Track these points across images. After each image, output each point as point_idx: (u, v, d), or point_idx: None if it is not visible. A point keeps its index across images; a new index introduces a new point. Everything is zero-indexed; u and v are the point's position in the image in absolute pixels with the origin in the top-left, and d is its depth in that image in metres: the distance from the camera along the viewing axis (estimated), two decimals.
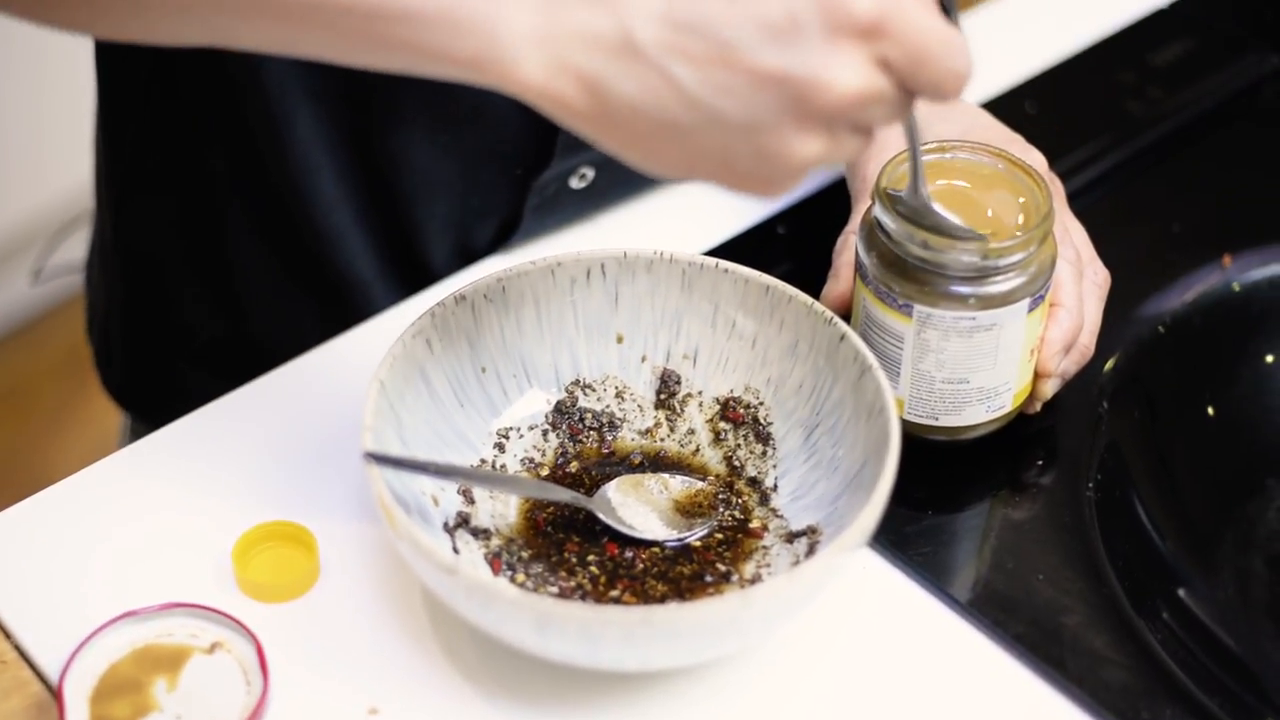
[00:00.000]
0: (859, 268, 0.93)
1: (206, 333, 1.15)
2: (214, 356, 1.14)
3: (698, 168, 0.76)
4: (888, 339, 0.92)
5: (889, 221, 0.90)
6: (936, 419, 0.94)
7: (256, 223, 1.09)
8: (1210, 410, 1.02)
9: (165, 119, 1.09)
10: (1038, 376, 0.95)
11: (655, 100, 0.74)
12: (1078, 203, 1.10)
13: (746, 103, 0.73)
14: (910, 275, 0.90)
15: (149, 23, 0.81)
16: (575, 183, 1.07)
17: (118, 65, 1.10)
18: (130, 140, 1.12)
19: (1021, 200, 0.92)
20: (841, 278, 0.97)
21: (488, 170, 1.06)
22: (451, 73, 0.76)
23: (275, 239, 1.09)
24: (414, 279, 1.09)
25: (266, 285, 1.11)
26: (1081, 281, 0.97)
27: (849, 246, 0.98)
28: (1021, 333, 0.91)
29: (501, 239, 1.09)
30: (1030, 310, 0.91)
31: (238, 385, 1.01)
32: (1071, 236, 0.98)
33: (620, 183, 1.10)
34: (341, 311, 1.09)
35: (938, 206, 0.88)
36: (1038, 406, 0.97)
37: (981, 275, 0.89)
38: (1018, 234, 0.89)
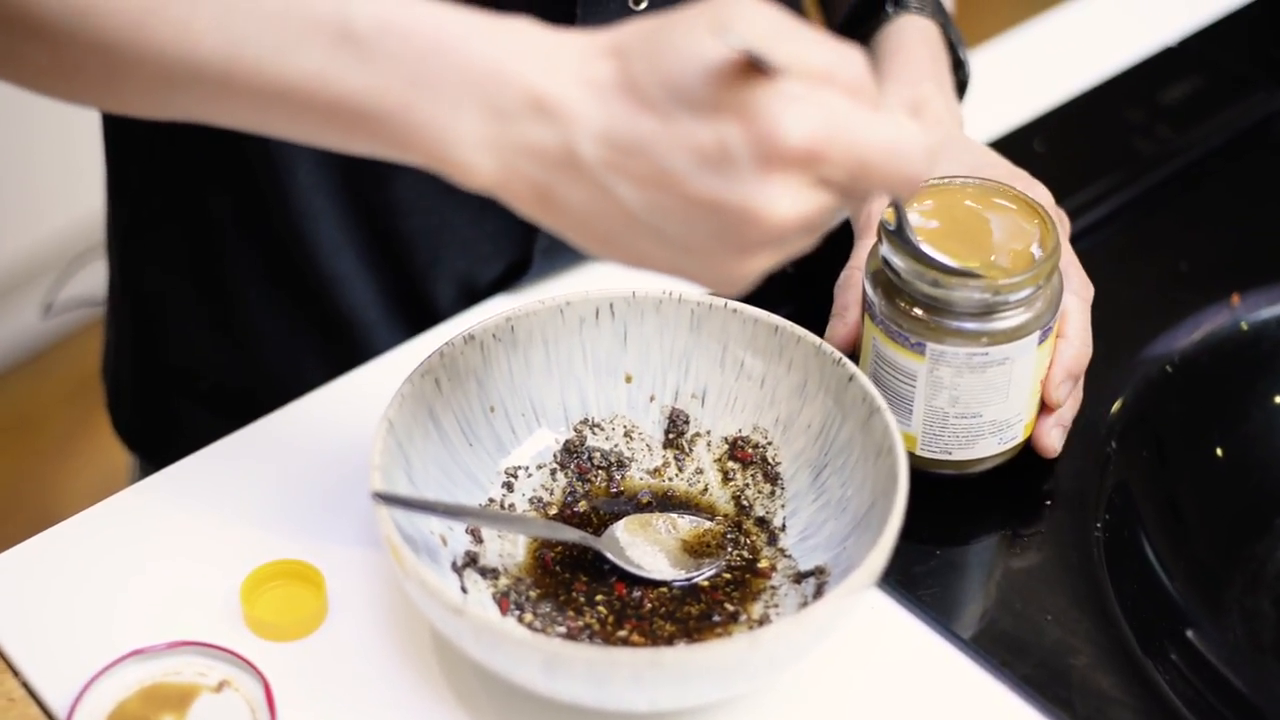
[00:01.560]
0: (867, 306, 0.93)
1: (212, 375, 1.15)
2: (219, 398, 1.15)
3: (653, 267, 0.77)
4: (899, 377, 0.92)
5: (898, 260, 0.90)
6: (949, 454, 0.94)
7: (260, 267, 1.09)
8: (1219, 450, 1.02)
9: (169, 163, 1.10)
10: (1043, 409, 0.96)
11: (601, 211, 0.74)
12: (1086, 240, 1.10)
13: (686, 226, 0.74)
14: (920, 313, 0.90)
15: (124, 98, 0.82)
16: None
17: (127, 128, 1.11)
18: (134, 184, 1.13)
19: (1027, 234, 0.92)
20: (848, 317, 0.97)
21: (495, 215, 1.06)
22: (415, 162, 0.77)
23: (279, 282, 1.09)
24: (420, 321, 1.09)
25: (271, 328, 1.11)
26: (1086, 314, 0.97)
27: (853, 284, 0.98)
28: (1032, 365, 0.92)
29: (509, 281, 1.09)
30: (1040, 343, 0.91)
31: (243, 427, 1.02)
32: (1081, 272, 0.98)
33: None
34: (347, 353, 1.09)
35: (927, 248, 0.89)
36: (1055, 452, 0.97)
37: (991, 311, 0.89)
38: (1028, 269, 0.89)
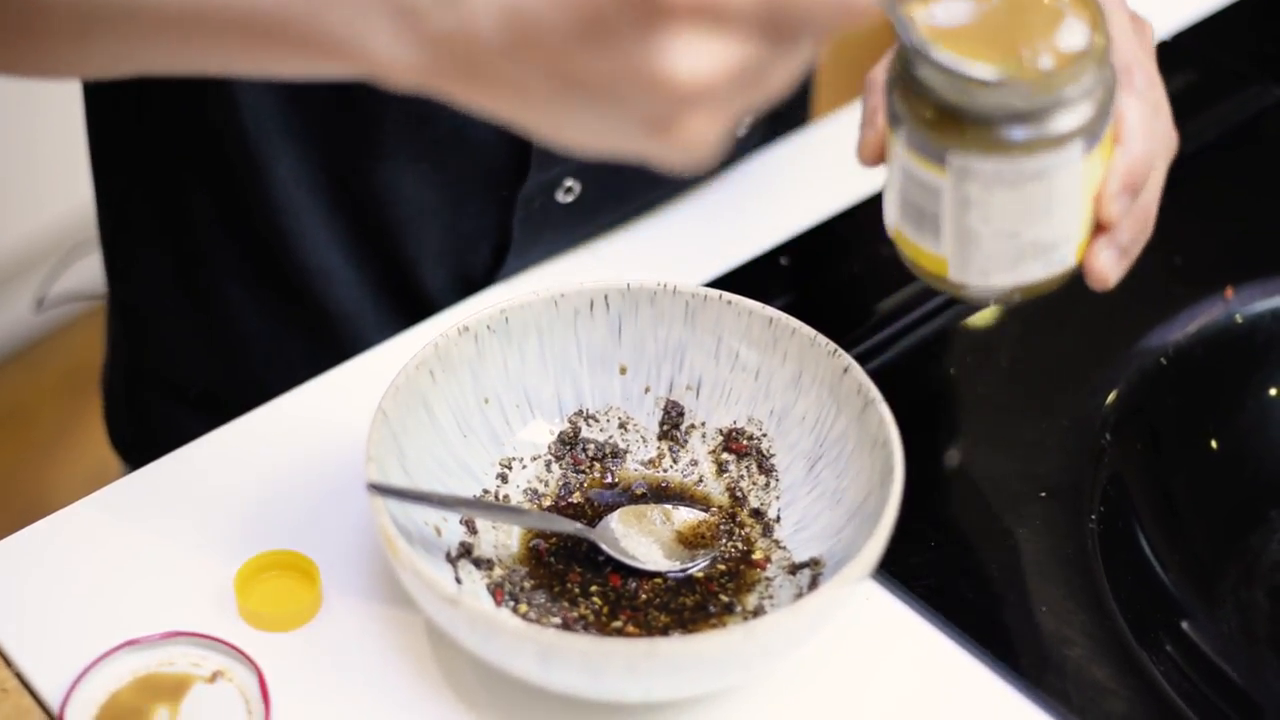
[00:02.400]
0: (889, 114, 0.84)
1: (200, 381, 1.15)
2: (210, 404, 1.14)
3: (601, 146, 0.72)
4: (924, 193, 0.83)
5: (910, 62, 0.80)
6: (988, 278, 0.84)
7: (243, 268, 1.09)
8: (1213, 442, 1.02)
9: (150, 166, 1.10)
10: (1099, 229, 0.85)
11: (525, 95, 0.71)
12: None
13: (598, 106, 0.69)
14: (944, 121, 0.80)
15: (41, 47, 0.83)
16: (562, 196, 1.07)
17: (105, 114, 1.11)
18: (118, 189, 1.13)
19: (1070, 28, 0.81)
20: (876, 122, 0.87)
21: (473, 196, 1.06)
22: (346, 72, 0.76)
23: (265, 282, 1.09)
24: (411, 311, 1.09)
25: (256, 330, 1.11)
26: (1155, 121, 0.87)
27: (879, 87, 0.87)
28: (1078, 178, 0.81)
29: (497, 263, 1.09)
30: (1086, 151, 0.81)
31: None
32: (1151, 74, 0.88)
33: (610, 197, 1.10)
34: (335, 352, 1.09)
35: (939, 50, 0.79)
36: (1105, 287, 0.86)
37: (1021, 118, 0.79)
38: (1060, 69, 0.79)
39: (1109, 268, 0.86)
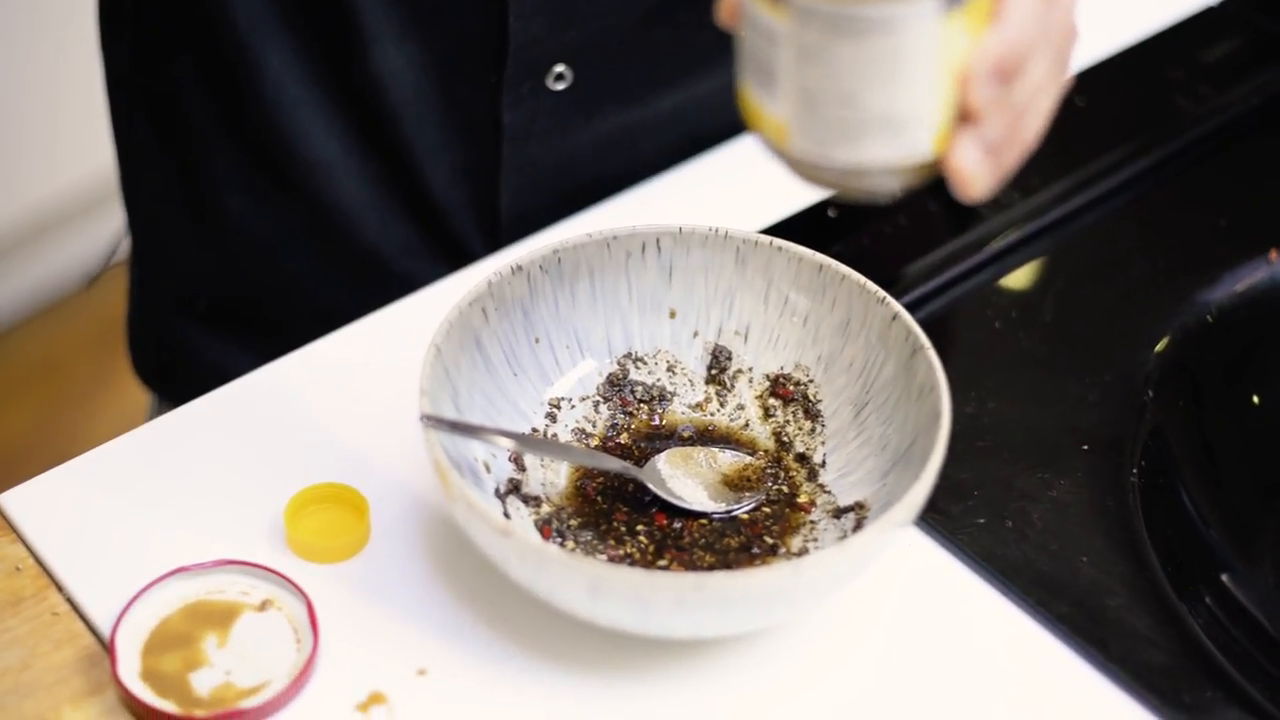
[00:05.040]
0: None
1: (207, 291, 1.16)
2: (218, 317, 1.16)
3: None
4: (764, 42, 0.75)
5: None
6: (830, 153, 0.76)
7: (245, 171, 1.11)
8: (1256, 400, 1.03)
9: (150, 75, 1.11)
10: (964, 120, 0.76)
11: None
12: (1128, 193, 1.11)
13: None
14: None
15: None
16: (553, 83, 1.07)
17: (110, 25, 1.12)
18: (126, 108, 1.14)
19: None
20: None
21: (461, 80, 1.07)
22: None
23: (265, 184, 1.10)
24: (414, 204, 1.10)
25: (260, 233, 1.13)
26: (1046, 7, 0.76)
27: None
28: (934, 43, 0.73)
29: (495, 153, 1.10)
30: (944, 13, 0.72)
31: (248, 349, 1.03)
32: None
33: (607, 90, 1.10)
34: (339, 248, 1.09)
35: None
36: (970, 192, 0.77)
37: None
38: None
39: (972, 165, 0.76)
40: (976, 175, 0.76)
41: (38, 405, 2.23)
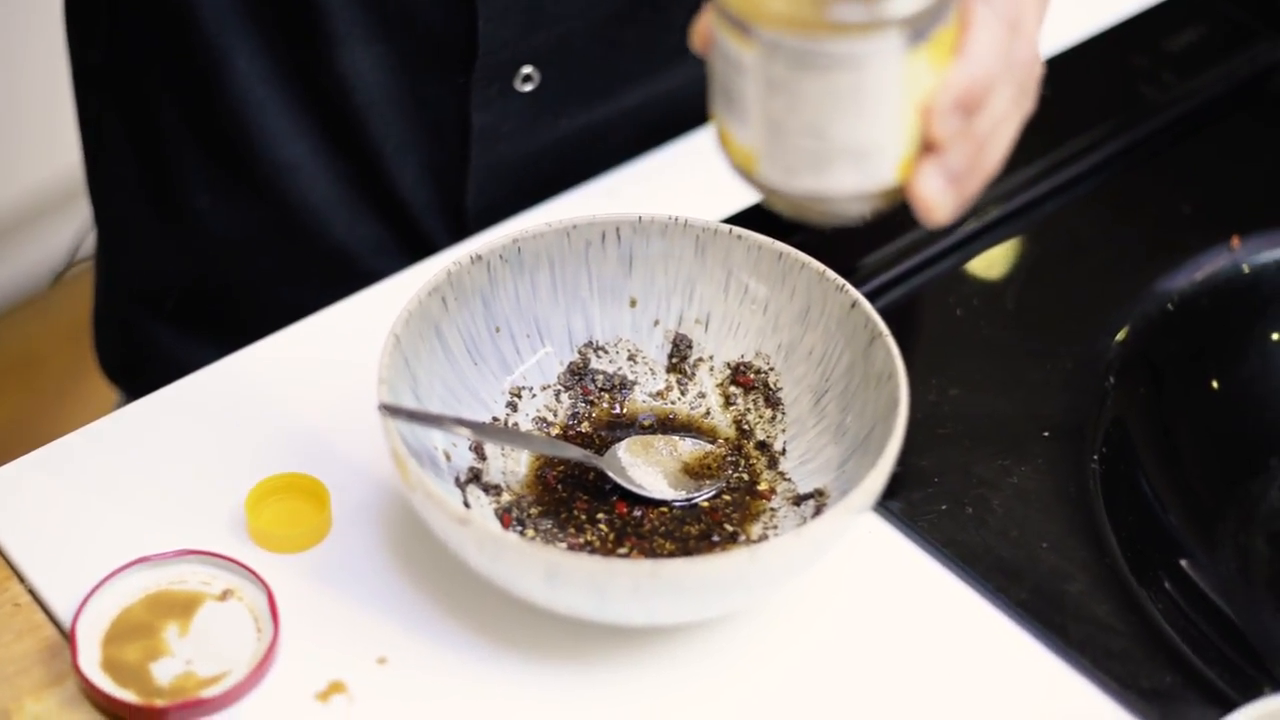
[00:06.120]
0: None
1: (175, 287, 1.16)
2: (185, 314, 1.16)
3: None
4: (734, 73, 0.76)
5: None
6: (793, 179, 0.77)
7: (212, 172, 1.11)
8: (1216, 387, 1.03)
9: (119, 77, 1.11)
10: (927, 150, 0.78)
11: None
12: (1091, 181, 1.11)
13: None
14: None
15: None
16: (520, 85, 1.08)
17: (80, 25, 1.12)
18: (94, 107, 1.14)
19: None
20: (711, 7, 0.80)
21: (429, 79, 1.07)
22: None
23: (232, 184, 1.10)
24: (382, 205, 1.11)
25: (227, 233, 1.13)
26: (1009, 41, 0.78)
27: None
28: (898, 77, 0.74)
29: (463, 154, 1.10)
30: (911, 45, 0.74)
31: (215, 346, 1.03)
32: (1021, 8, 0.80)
33: (574, 90, 1.10)
34: (307, 248, 1.09)
35: None
36: (934, 218, 0.79)
37: None
38: None
39: (935, 194, 0.77)
40: (939, 203, 0.78)
41: (8, 403, 2.23)
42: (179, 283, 1.16)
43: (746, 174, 0.79)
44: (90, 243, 1.24)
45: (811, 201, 0.78)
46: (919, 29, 0.74)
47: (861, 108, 0.75)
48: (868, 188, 0.77)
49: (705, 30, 0.79)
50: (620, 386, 0.97)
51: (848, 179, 0.77)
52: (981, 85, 0.76)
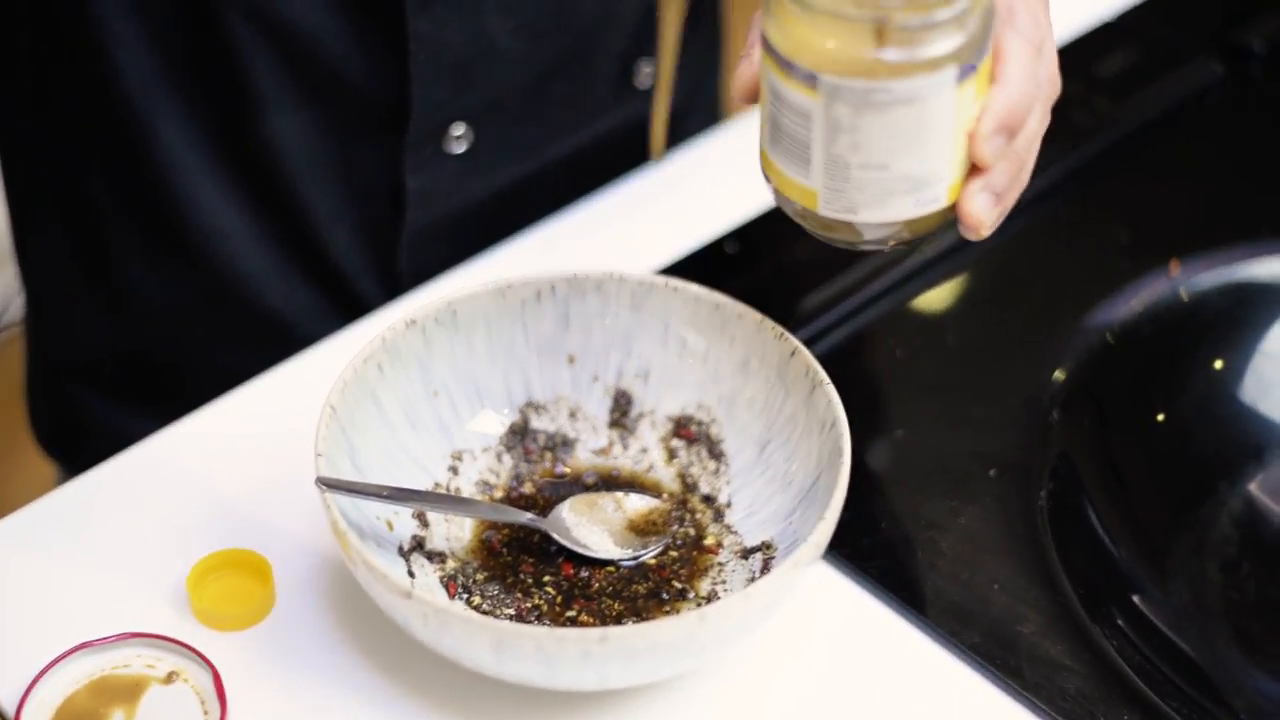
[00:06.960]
0: (763, 41, 0.80)
1: (110, 360, 1.15)
2: (121, 385, 1.15)
3: None
4: (794, 118, 0.80)
5: None
6: (856, 213, 0.81)
7: (143, 241, 1.10)
8: (1161, 417, 1.03)
9: (47, 147, 1.11)
10: (971, 172, 0.82)
11: None
12: (1026, 214, 1.10)
13: None
14: (814, 39, 0.78)
15: None
16: (453, 146, 1.07)
17: (4, 97, 1.11)
18: (20, 179, 1.13)
19: None
20: (753, 55, 0.84)
21: (361, 143, 1.06)
22: None
23: (164, 253, 1.10)
24: (315, 270, 1.10)
25: (161, 302, 1.12)
26: (1037, 63, 0.83)
27: (759, 22, 0.84)
28: (951, 109, 0.79)
29: (397, 217, 1.09)
30: (960, 80, 0.78)
31: (151, 415, 1.02)
32: (1037, 16, 0.85)
33: (506, 148, 1.10)
34: (241, 315, 1.08)
35: None
36: (980, 234, 0.83)
37: (892, 37, 0.77)
38: None
39: (983, 212, 0.82)
40: (986, 219, 0.82)
41: None
42: (112, 352, 1.15)
43: (805, 211, 0.82)
44: (18, 306, 1.23)
45: (868, 230, 0.82)
46: (968, 63, 0.78)
47: (920, 140, 0.79)
48: (925, 213, 0.82)
49: (748, 81, 0.83)
50: (562, 445, 0.96)
51: (907, 207, 0.81)
52: (1021, 108, 0.81)
